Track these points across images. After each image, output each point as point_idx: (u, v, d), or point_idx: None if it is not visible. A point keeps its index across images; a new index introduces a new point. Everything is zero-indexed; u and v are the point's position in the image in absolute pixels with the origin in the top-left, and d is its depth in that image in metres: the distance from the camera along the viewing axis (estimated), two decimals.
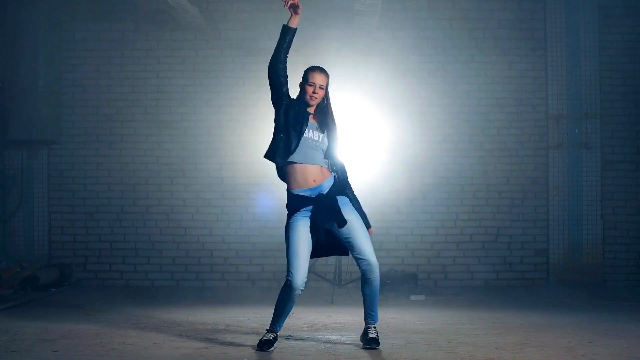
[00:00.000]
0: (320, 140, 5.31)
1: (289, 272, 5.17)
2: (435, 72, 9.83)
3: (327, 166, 5.33)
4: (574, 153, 9.77)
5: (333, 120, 5.39)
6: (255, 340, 5.60)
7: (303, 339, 5.68)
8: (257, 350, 5.23)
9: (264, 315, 7.07)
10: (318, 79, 5.34)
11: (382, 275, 9.10)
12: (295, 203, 5.28)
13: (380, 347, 5.30)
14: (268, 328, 5.39)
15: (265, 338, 5.30)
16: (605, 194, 9.78)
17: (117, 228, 9.89)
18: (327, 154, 5.33)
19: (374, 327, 5.38)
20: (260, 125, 9.68)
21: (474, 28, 9.88)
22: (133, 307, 7.71)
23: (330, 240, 5.30)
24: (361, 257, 5.24)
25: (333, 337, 5.82)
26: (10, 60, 9.55)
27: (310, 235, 5.24)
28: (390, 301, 8.35)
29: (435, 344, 5.50)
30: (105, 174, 9.92)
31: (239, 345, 5.45)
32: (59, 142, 9.90)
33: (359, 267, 5.30)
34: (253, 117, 9.75)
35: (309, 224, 5.22)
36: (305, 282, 5.21)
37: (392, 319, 6.90)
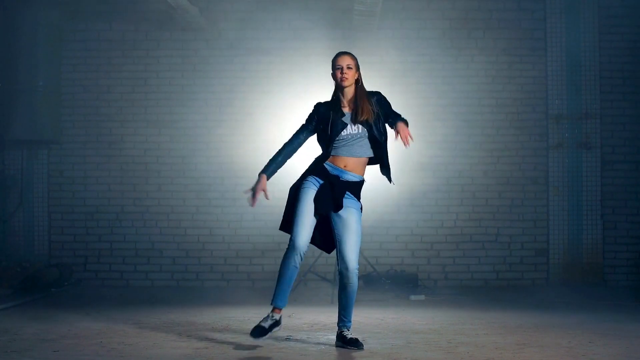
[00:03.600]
0: (360, 130, 5.36)
1: (291, 234, 5.24)
2: (435, 72, 9.83)
3: (368, 155, 5.39)
4: (574, 153, 9.77)
5: (370, 104, 5.40)
6: (254, 340, 5.62)
7: (303, 339, 5.68)
8: (250, 334, 5.24)
9: (263, 315, 7.06)
10: (342, 60, 5.41)
11: (382, 275, 9.17)
12: (314, 169, 5.38)
13: (363, 348, 5.27)
14: (271, 304, 5.36)
15: (260, 324, 5.29)
16: (605, 194, 9.78)
17: (117, 228, 9.89)
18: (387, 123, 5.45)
19: (348, 329, 5.38)
20: (260, 125, 9.70)
21: (474, 28, 9.88)
22: (133, 307, 7.71)
23: (324, 228, 5.36)
24: (342, 259, 5.25)
25: (333, 337, 5.80)
26: (10, 60, 9.55)
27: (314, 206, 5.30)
28: (390, 301, 8.35)
29: (435, 344, 5.50)
30: (105, 174, 9.92)
31: (239, 345, 5.45)
32: (59, 142, 9.89)
33: (338, 268, 5.31)
34: (253, 117, 9.76)
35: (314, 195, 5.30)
36: (307, 248, 5.25)
37: (392, 319, 6.90)
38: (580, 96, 9.78)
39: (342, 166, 5.36)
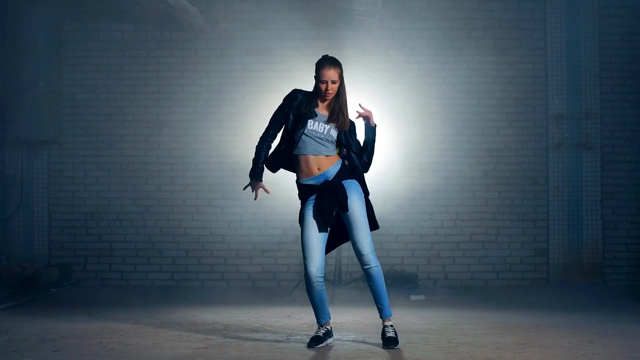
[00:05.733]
0: (325, 131, 5.36)
1: (304, 263, 5.33)
2: (435, 72, 9.82)
3: (334, 154, 5.39)
4: (574, 153, 9.77)
5: (342, 112, 5.38)
6: (254, 339, 5.62)
7: (303, 339, 5.68)
8: (307, 347, 5.35)
9: (264, 315, 7.08)
10: (328, 75, 5.35)
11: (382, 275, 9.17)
12: (303, 192, 5.42)
13: (399, 346, 5.34)
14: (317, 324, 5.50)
15: (315, 334, 5.44)
16: (605, 194, 9.78)
17: (117, 228, 9.89)
18: (342, 145, 5.40)
19: (391, 325, 5.42)
20: (261, 125, 9.69)
21: (474, 28, 9.88)
22: (133, 307, 7.72)
23: (338, 225, 5.40)
24: (356, 248, 5.32)
25: (334, 337, 5.81)
26: (10, 60, 9.56)
27: (320, 225, 5.32)
28: (390, 301, 8.33)
29: (435, 344, 5.50)
30: (105, 174, 9.92)
31: (239, 345, 5.45)
32: (59, 142, 9.90)
33: (358, 258, 5.37)
34: (253, 117, 9.74)
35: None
36: (323, 272, 5.32)
37: (392, 319, 6.89)
38: (580, 96, 9.78)
39: (316, 170, 5.36)
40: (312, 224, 5.33)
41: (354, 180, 5.42)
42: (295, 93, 5.50)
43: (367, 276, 5.38)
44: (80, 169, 9.96)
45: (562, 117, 9.79)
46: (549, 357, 5.02)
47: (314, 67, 5.42)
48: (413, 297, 8.56)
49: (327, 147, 5.37)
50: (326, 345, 5.42)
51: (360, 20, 9.33)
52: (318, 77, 5.38)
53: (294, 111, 5.43)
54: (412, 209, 9.76)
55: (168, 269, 9.86)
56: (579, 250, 9.71)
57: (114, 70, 9.97)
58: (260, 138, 5.55)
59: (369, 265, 5.32)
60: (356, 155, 5.47)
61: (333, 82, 5.35)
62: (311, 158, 5.35)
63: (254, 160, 5.51)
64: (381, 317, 5.46)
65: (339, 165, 5.41)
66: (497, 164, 9.85)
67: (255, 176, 5.51)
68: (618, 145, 9.83)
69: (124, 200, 9.90)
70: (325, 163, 5.36)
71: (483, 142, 9.84)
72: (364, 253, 5.30)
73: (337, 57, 5.56)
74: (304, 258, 5.33)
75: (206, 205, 9.88)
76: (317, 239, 5.32)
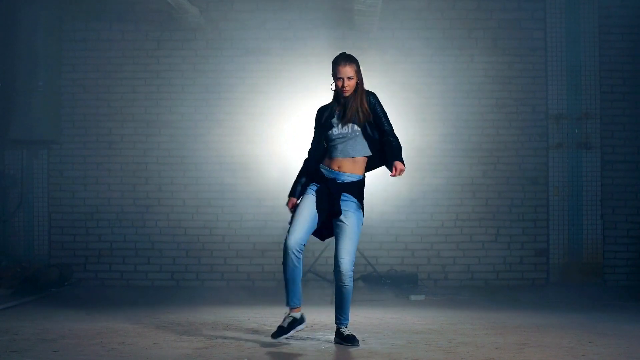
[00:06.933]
0: (350, 130, 5.41)
1: (285, 235, 5.36)
2: (435, 72, 9.83)
3: (362, 155, 5.42)
4: (574, 153, 9.77)
5: (361, 109, 5.41)
6: (254, 339, 5.63)
7: (303, 339, 5.68)
8: (271, 337, 5.40)
9: (264, 315, 7.08)
10: (343, 72, 5.44)
11: (382, 275, 9.17)
12: (315, 174, 5.48)
13: (359, 345, 5.39)
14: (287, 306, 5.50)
15: (280, 325, 5.45)
16: (605, 194, 9.78)
17: (117, 228, 9.89)
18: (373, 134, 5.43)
19: (346, 327, 5.51)
20: (260, 125, 9.71)
21: (474, 28, 9.88)
22: (133, 307, 7.71)
23: (324, 221, 5.45)
24: (336, 262, 5.34)
25: (333, 337, 5.81)
26: (10, 60, 9.56)
27: (316, 211, 5.39)
28: (390, 301, 8.34)
29: (435, 344, 5.50)
30: (105, 174, 9.92)
31: (239, 345, 5.45)
32: (59, 142, 9.90)
33: (334, 269, 5.39)
34: (252, 117, 9.76)
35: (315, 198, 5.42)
36: (302, 248, 5.32)
37: (392, 319, 6.90)
38: (580, 96, 9.78)
39: (335, 168, 5.44)
40: (308, 205, 5.38)
41: (356, 201, 5.41)
42: (319, 111, 5.58)
43: (337, 290, 5.41)
44: (80, 169, 9.96)
45: (562, 117, 9.79)
46: (549, 357, 5.02)
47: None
48: (413, 297, 8.56)
49: (354, 143, 5.41)
50: (295, 333, 5.44)
51: (360, 20, 9.34)
52: (335, 75, 5.46)
53: (322, 124, 5.50)
54: (412, 209, 9.76)
55: (168, 269, 9.86)
56: (579, 250, 9.71)
57: (114, 70, 9.96)
58: (306, 159, 5.61)
59: (343, 283, 5.35)
60: (388, 132, 5.46)
61: (349, 79, 5.42)
62: (340, 160, 5.42)
63: (296, 179, 5.60)
64: (337, 324, 5.50)
65: (356, 178, 5.45)
66: (497, 164, 9.85)
67: (291, 194, 5.57)
68: (618, 145, 9.83)
69: (124, 200, 9.90)
70: (348, 167, 5.41)
71: (483, 142, 9.84)
72: (342, 269, 5.30)
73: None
74: (288, 232, 5.35)
75: (206, 205, 9.88)
76: (306, 217, 5.35)
